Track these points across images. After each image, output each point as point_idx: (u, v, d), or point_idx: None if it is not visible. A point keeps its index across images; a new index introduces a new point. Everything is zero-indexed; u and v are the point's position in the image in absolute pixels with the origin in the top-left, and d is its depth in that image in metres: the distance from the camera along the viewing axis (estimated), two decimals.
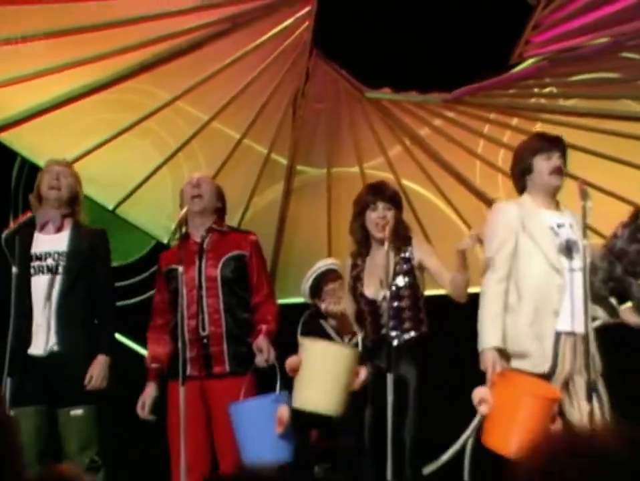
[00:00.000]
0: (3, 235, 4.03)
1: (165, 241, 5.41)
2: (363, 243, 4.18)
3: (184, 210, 4.09)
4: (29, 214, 4.17)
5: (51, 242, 4.17)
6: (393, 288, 3.99)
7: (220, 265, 4.06)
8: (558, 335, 3.74)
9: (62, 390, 4.03)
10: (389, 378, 3.66)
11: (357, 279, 4.13)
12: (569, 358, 3.74)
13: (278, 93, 5.75)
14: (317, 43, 5.75)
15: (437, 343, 4.00)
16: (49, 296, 4.08)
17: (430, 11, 5.52)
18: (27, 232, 4.16)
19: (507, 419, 3.49)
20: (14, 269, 3.99)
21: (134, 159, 5.64)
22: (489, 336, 3.69)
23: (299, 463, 3.87)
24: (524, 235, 3.84)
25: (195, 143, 5.69)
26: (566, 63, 5.62)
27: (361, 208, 4.18)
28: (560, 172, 3.91)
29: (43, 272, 4.11)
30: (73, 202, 4.24)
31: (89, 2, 5.29)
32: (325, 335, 4.01)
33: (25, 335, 4.04)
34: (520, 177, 3.98)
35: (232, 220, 4.83)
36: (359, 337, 3.93)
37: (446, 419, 3.77)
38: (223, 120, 5.70)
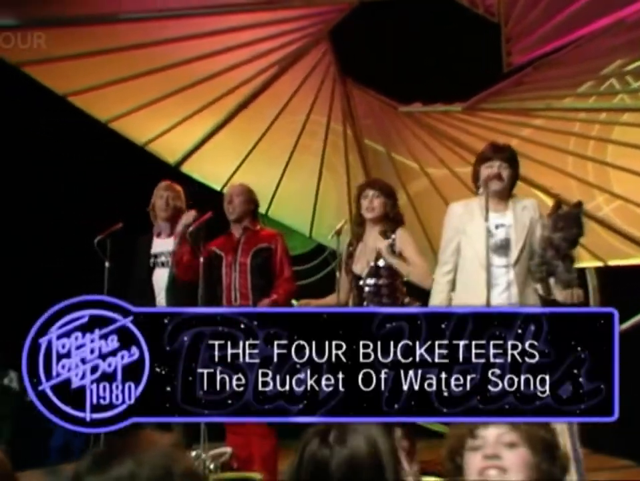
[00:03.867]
0: (96, 240, 5.24)
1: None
2: (359, 226, 4.79)
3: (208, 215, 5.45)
4: (119, 225, 5.31)
5: (163, 244, 5.52)
6: (375, 267, 4.63)
7: (250, 255, 5.23)
8: None
9: None
10: None
11: (349, 257, 4.76)
12: None
13: (334, 114, 7.15)
14: (347, 72, 6.95)
15: None
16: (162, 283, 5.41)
17: (426, 39, 6.55)
18: (149, 237, 5.57)
19: None
20: (107, 264, 5.24)
21: (266, 171, 7.18)
22: None
23: None
24: (464, 235, 4.36)
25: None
26: (547, 68, 6.42)
27: (356, 197, 4.86)
28: (497, 177, 4.37)
29: (158, 266, 5.48)
30: (177, 215, 5.51)
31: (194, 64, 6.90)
32: None
33: None
34: (474, 182, 4.51)
35: None
36: None
37: None
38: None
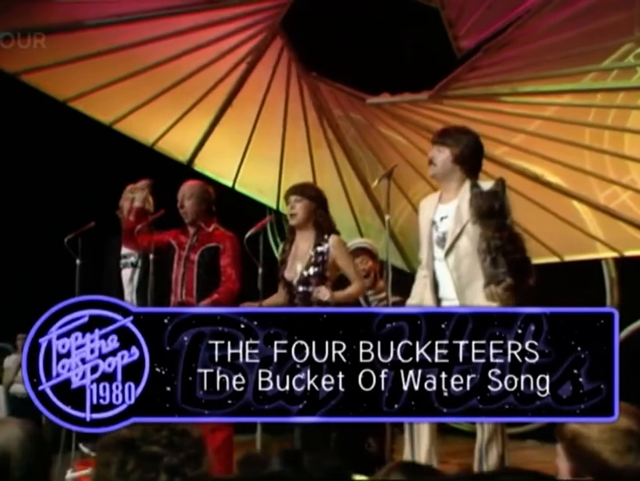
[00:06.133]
0: (66, 239, 5.22)
1: None
2: (291, 233, 4.79)
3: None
4: (91, 224, 5.32)
5: None
6: (304, 274, 4.61)
7: (199, 252, 5.28)
8: None
9: None
10: None
11: (282, 262, 4.76)
12: None
13: (308, 111, 7.15)
14: (310, 66, 6.92)
15: None
16: (131, 282, 5.52)
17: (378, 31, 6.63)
18: (119, 238, 5.58)
19: None
20: (77, 261, 5.25)
21: (266, 166, 7.30)
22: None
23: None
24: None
25: None
26: (496, 50, 6.32)
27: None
28: (429, 162, 4.17)
29: (127, 267, 5.58)
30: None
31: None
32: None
33: None
34: None
35: None
36: None
37: None
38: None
